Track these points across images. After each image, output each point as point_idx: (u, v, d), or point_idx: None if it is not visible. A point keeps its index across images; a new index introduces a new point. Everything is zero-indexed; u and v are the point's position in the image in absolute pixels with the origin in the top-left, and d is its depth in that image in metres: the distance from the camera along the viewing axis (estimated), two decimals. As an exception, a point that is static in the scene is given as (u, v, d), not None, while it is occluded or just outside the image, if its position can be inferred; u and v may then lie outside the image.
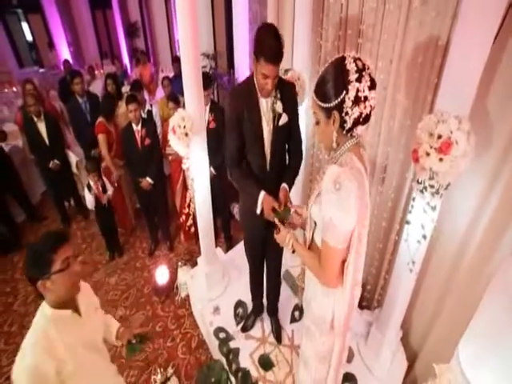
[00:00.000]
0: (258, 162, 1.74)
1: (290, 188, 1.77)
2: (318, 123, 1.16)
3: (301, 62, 2.30)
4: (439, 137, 1.32)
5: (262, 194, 1.65)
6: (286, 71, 2.20)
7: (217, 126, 2.93)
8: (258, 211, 1.69)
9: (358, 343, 2.25)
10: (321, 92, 1.08)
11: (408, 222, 1.60)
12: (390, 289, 1.92)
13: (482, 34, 1.25)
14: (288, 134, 1.74)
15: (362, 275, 2.40)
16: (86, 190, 3.22)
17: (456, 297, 1.80)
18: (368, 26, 1.94)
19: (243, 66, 3.71)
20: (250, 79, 1.65)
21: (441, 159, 1.32)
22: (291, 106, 1.69)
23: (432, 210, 1.45)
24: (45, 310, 1.22)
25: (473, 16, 1.26)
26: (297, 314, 2.48)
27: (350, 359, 2.15)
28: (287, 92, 1.67)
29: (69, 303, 1.27)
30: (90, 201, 3.24)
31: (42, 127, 3.55)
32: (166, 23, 6.94)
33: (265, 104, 1.63)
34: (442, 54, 1.59)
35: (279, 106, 1.60)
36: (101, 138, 3.39)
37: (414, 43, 1.72)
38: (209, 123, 2.95)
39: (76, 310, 1.31)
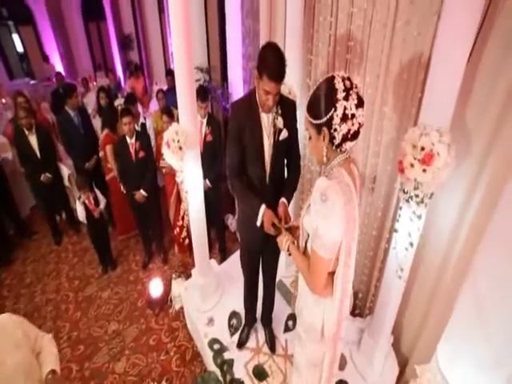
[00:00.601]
0: (258, 174, 1.81)
1: (289, 202, 1.82)
2: (310, 138, 1.25)
3: (292, 77, 2.39)
4: (422, 149, 1.42)
5: (263, 207, 1.69)
6: (278, 86, 2.30)
7: (213, 138, 3.01)
8: (259, 224, 1.74)
9: (350, 350, 2.31)
10: (312, 109, 1.17)
11: (396, 231, 1.69)
12: (380, 296, 2.00)
13: (458, 53, 1.37)
14: (287, 149, 1.82)
15: (354, 283, 2.49)
16: (77, 202, 3.25)
17: (441, 302, 1.90)
18: (356, 42, 2.06)
19: (237, 79, 3.82)
20: (251, 94, 1.72)
21: (424, 170, 1.41)
22: (291, 122, 1.77)
23: (418, 219, 1.54)
24: None
25: (449, 38, 1.38)
26: (290, 323, 2.53)
27: (342, 366, 2.20)
28: (288, 108, 1.75)
29: None
30: (81, 212, 3.28)
31: (33, 140, 3.56)
32: (160, 36, 7.08)
33: (266, 119, 1.71)
34: (424, 70, 1.70)
35: (280, 122, 1.68)
36: (108, 148, 3.47)
37: (399, 60, 1.83)
38: (205, 136, 3.04)
39: None
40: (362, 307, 2.61)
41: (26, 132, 3.52)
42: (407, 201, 1.54)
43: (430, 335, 1.98)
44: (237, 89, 3.84)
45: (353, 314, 2.58)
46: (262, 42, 2.87)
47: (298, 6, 2.22)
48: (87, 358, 2.76)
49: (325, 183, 1.13)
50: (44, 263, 3.84)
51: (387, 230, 2.14)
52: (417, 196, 1.49)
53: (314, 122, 1.16)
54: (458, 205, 1.69)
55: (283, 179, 1.90)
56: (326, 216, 1.12)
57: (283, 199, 1.79)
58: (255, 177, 1.82)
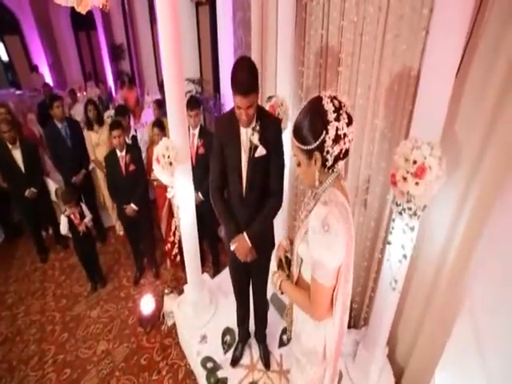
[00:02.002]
0: (236, 190, 1.86)
1: (254, 235, 1.83)
2: (299, 165, 1.21)
3: (284, 89, 2.47)
4: (414, 162, 1.46)
5: (237, 237, 1.82)
6: (270, 98, 2.37)
7: (206, 151, 3.04)
8: (232, 249, 1.84)
9: (346, 363, 2.33)
10: (301, 135, 1.12)
11: (389, 243, 1.73)
12: (374, 307, 2.05)
13: (446, 68, 1.43)
14: (267, 168, 1.80)
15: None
16: (61, 216, 3.22)
17: (435, 312, 1.94)
18: (347, 54, 2.12)
19: (229, 90, 3.89)
20: (233, 108, 1.76)
21: (417, 183, 1.46)
22: (272, 142, 1.76)
23: (411, 231, 1.58)
24: None
25: (437, 53, 1.44)
26: (285, 337, 2.54)
27: (338, 381, 2.20)
28: (269, 126, 1.75)
29: None
30: (63, 226, 3.21)
31: (17, 154, 3.50)
32: (151, 45, 7.17)
33: (244, 134, 1.75)
34: (414, 83, 1.76)
35: (255, 138, 1.70)
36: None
37: (389, 72, 1.90)
38: (198, 148, 3.07)
39: None
40: (356, 318, 2.64)
41: (10, 146, 3.46)
42: (400, 213, 1.58)
43: (425, 345, 2.03)
44: (229, 100, 3.91)
45: (348, 325, 2.59)
46: (254, 53, 2.95)
47: (289, 19, 2.31)
48: (74, 383, 2.70)
49: (324, 211, 1.10)
50: (28, 282, 3.76)
51: (381, 240, 2.18)
52: (409, 209, 1.53)
53: (305, 147, 1.12)
54: (450, 216, 1.74)
55: (264, 200, 1.88)
56: (329, 246, 1.10)
57: (244, 233, 1.83)
58: (234, 192, 1.89)
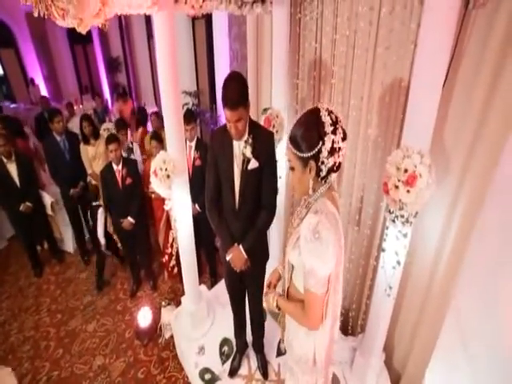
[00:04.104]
0: (230, 202, 1.93)
1: (250, 247, 1.91)
2: (292, 169, 1.26)
3: (279, 101, 2.56)
4: (405, 170, 1.53)
5: (232, 248, 1.91)
6: (265, 110, 2.45)
7: (202, 163, 3.10)
8: (227, 259, 1.93)
9: (343, 370, 2.36)
10: (297, 142, 1.16)
11: (383, 250, 1.79)
12: (370, 314, 2.10)
13: (434, 78, 1.52)
14: (260, 181, 1.86)
15: (345, 302, 2.55)
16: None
17: (430, 317, 2.00)
18: (340, 67, 2.22)
19: (224, 102, 4.00)
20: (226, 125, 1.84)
21: (408, 191, 1.52)
22: (265, 155, 1.81)
23: (404, 237, 1.65)
24: None
25: (425, 63, 1.53)
26: (282, 346, 2.54)
27: (334, 388, 2.23)
28: (262, 139, 1.81)
29: None
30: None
31: (12, 168, 3.54)
32: (148, 58, 7.32)
33: (237, 147, 1.82)
34: (405, 93, 1.86)
35: (248, 151, 1.77)
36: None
37: (381, 84, 1.99)
38: (194, 160, 3.14)
39: None
40: (353, 326, 2.68)
41: (5, 160, 3.51)
42: (393, 221, 1.64)
43: (421, 350, 2.08)
44: (225, 111, 4.00)
45: (345, 332, 2.64)
46: (250, 66, 3.05)
47: (283, 33, 2.41)
48: (69, 399, 2.69)
49: (315, 220, 1.15)
50: (21, 298, 3.75)
51: (375, 247, 2.25)
52: (402, 216, 1.60)
53: (301, 155, 1.16)
54: (442, 221, 1.81)
55: (257, 212, 1.94)
56: (320, 254, 1.14)
57: (240, 246, 1.91)
58: (227, 204, 1.95)
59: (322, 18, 2.24)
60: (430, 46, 1.49)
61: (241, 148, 1.79)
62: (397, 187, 1.55)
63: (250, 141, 1.77)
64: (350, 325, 2.67)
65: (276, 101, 2.58)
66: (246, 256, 1.91)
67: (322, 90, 2.40)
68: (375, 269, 2.23)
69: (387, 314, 1.97)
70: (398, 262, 1.71)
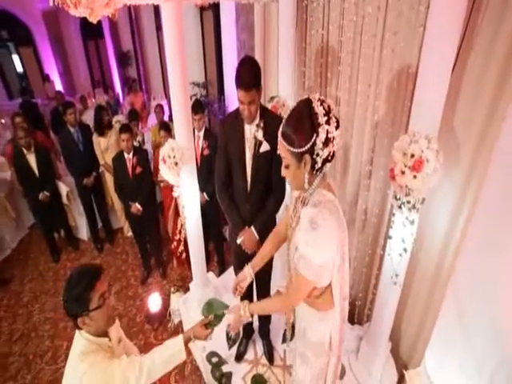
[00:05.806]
0: (241, 185, 1.93)
1: (261, 229, 1.90)
2: (287, 167, 1.19)
3: (286, 89, 2.50)
4: (412, 156, 1.47)
5: (244, 230, 1.90)
6: (272, 98, 2.40)
7: (210, 152, 3.09)
8: (239, 241, 1.92)
9: (349, 359, 2.33)
10: (291, 137, 1.10)
11: (390, 237, 1.73)
12: (376, 302, 2.05)
13: (443, 64, 1.44)
14: (270, 164, 1.84)
15: (352, 292, 2.50)
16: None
17: (437, 306, 1.93)
18: (347, 53, 2.15)
19: (233, 92, 3.93)
20: (239, 107, 1.82)
21: (414, 176, 1.47)
22: (275, 139, 1.80)
23: (411, 224, 1.59)
24: (85, 335, 1.33)
25: (434, 47, 1.45)
26: (288, 333, 2.53)
27: (341, 376, 2.21)
28: (273, 123, 1.74)
29: (104, 333, 1.39)
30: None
31: (31, 159, 3.65)
32: (157, 51, 7.31)
33: (248, 130, 1.81)
34: (413, 80, 1.77)
35: (260, 134, 1.77)
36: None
37: (388, 70, 1.92)
38: (203, 150, 3.12)
39: (109, 339, 1.42)
40: (360, 315, 2.64)
41: (25, 151, 3.61)
42: (400, 207, 1.59)
43: (428, 339, 2.02)
44: (233, 102, 3.96)
45: (352, 321, 2.60)
46: (257, 55, 2.99)
47: (290, 20, 2.34)
48: (85, 376, 2.75)
49: (313, 211, 1.12)
50: (42, 281, 3.87)
51: (382, 236, 2.19)
52: (408, 202, 1.54)
53: (295, 150, 1.10)
54: (451, 209, 1.74)
55: (267, 196, 1.94)
56: (314, 243, 1.12)
57: (252, 228, 1.92)
58: (238, 188, 1.95)
59: (328, 3, 2.17)
60: (439, 28, 1.41)
61: (252, 131, 1.80)
62: (403, 173, 1.49)
63: (262, 124, 1.77)
64: (357, 314, 2.62)
65: (283, 89, 2.52)
66: (257, 237, 1.90)
67: (329, 78, 2.33)
68: (382, 258, 2.17)
69: (393, 302, 1.92)
70: (405, 250, 1.66)
